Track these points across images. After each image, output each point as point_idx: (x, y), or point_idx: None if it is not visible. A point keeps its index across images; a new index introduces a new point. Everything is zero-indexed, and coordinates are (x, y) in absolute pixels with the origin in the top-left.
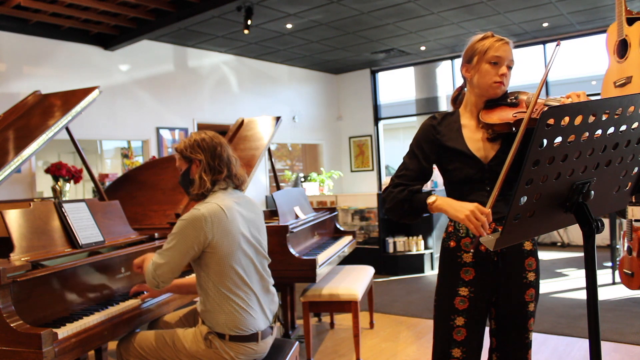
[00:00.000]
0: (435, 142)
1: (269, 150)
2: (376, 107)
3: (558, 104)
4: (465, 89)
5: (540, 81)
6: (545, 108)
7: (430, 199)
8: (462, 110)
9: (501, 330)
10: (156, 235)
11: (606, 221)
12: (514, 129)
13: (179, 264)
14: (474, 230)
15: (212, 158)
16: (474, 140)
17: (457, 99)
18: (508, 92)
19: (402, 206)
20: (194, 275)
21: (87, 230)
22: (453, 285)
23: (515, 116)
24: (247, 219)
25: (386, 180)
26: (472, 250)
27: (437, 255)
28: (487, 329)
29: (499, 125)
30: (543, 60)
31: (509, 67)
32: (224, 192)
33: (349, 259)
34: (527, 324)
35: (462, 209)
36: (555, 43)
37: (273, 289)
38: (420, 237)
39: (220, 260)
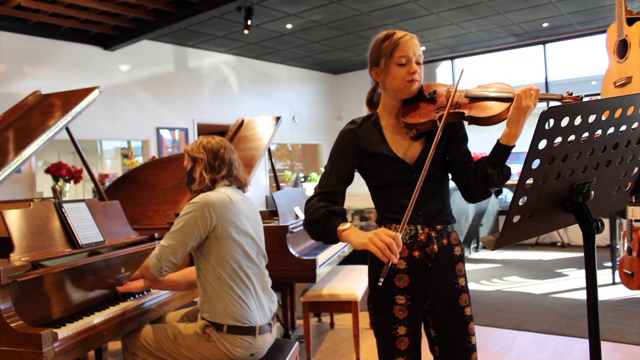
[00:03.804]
0: (357, 147)
1: (269, 150)
2: None
3: (480, 94)
4: (379, 89)
5: (456, 83)
6: (466, 100)
7: (343, 226)
8: (381, 112)
9: (443, 337)
10: (156, 235)
11: (606, 221)
12: (438, 124)
13: (184, 247)
14: (381, 256)
15: (213, 158)
16: (398, 141)
17: (372, 100)
18: (424, 86)
19: (317, 225)
20: (188, 268)
21: (87, 230)
22: (388, 294)
23: (438, 112)
24: (250, 215)
25: None
26: (381, 281)
27: None
28: (425, 338)
29: (423, 124)
30: (543, 60)
31: (418, 63)
32: (228, 187)
33: (349, 259)
34: (467, 328)
35: (365, 234)
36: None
37: (271, 289)
38: None
39: (222, 247)
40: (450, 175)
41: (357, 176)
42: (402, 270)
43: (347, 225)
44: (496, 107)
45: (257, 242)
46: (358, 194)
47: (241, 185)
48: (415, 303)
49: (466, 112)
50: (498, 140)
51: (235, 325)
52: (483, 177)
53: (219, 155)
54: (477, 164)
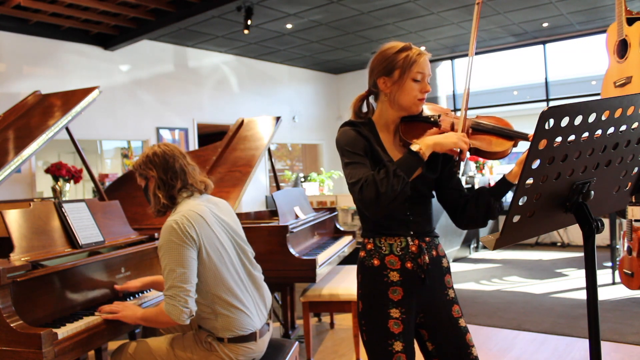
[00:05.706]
0: (366, 148)
1: (269, 150)
2: None
3: (486, 127)
4: (371, 98)
5: (464, 98)
6: (471, 131)
7: (415, 146)
8: (377, 123)
9: (443, 350)
10: (156, 235)
11: (606, 221)
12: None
13: (193, 277)
14: (463, 153)
15: (164, 172)
16: (395, 156)
17: (360, 110)
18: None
19: (397, 172)
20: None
21: (87, 230)
22: (383, 308)
23: None
24: (221, 217)
25: None
26: (459, 172)
27: None
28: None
29: None
30: (543, 60)
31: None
32: (189, 199)
33: (349, 259)
34: (466, 339)
35: (449, 134)
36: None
37: (264, 283)
38: None
39: (209, 264)
40: (435, 196)
41: None
42: (395, 283)
43: (417, 144)
44: (501, 145)
45: (238, 245)
46: None
47: (204, 190)
48: (409, 316)
49: (471, 143)
50: (505, 176)
51: (236, 335)
52: (485, 209)
53: (169, 167)
54: (479, 196)
